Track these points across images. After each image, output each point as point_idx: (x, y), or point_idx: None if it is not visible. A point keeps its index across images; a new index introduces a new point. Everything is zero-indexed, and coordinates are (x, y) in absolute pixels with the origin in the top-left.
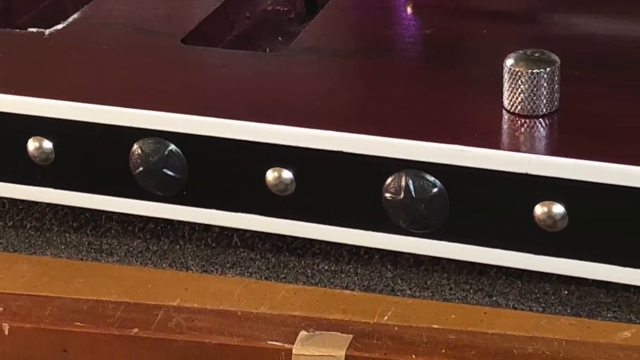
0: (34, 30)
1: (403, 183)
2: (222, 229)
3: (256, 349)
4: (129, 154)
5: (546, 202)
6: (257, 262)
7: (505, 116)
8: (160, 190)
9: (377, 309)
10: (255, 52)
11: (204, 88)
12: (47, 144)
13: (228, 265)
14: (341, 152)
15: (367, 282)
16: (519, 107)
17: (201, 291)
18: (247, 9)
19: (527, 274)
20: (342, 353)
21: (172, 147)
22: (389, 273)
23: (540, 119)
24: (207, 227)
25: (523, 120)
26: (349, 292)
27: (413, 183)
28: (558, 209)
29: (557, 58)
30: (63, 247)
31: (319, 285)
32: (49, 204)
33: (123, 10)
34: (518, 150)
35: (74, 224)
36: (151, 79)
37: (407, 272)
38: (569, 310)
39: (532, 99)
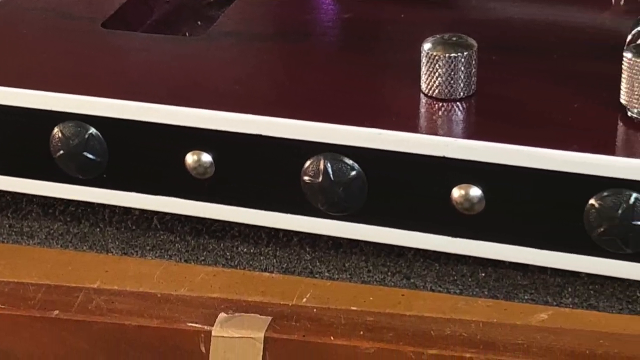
0: None
1: (321, 166)
2: (142, 211)
3: (176, 330)
4: (50, 138)
5: (463, 185)
6: (176, 245)
7: (423, 100)
8: (80, 173)
9: (295, 291)
10: (174, 37)
11: (124, 72)
12: None
13: (148, 247)
14: (260, 136)
15: (285, 264)
16: (436, 91)
17: (121, 273)
18: None
19: (444, 257)
20: (261, 335)
21: (93, 130)
22: (307, 255)
23: (458, 103)
24: (127, 210)
25: (441, 104)
26: (267, 274)
27: (331, 166)
28: (475, 192)
29: (474, 42)
30: None
31: (238, 267)
32: None
33: None
34: (435, 134)
35: None
36: (71, 63)
37: (325, 255)
38: (486, 293)
39: (449, 82)
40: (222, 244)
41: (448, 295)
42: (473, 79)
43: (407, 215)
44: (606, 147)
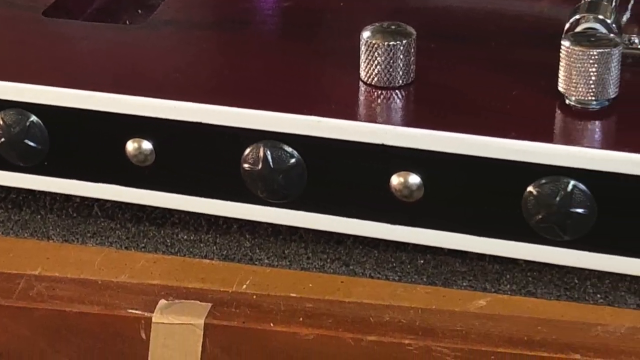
0: None
1: (261, 154)
2: (83, 199)
3: (116, 317)
4: None
5: (402, 173)
6: (117, 232)
7: (362, 88)
8: (21, 160)
9: (235, 278)
10: (115, 25)
11: (65, 60)
12: None
13: (89, 234)
14: (200, 124)
15: (225, 251)
16: (375, 79)
17: (62, 260)
18: None
19: (383, 244)
20: (201, 321)
21: (34, 118)
22: (247, 242)
23: (397, 91)
24: (68, 197)
25: (380, 92)
26: (207, 261)
27: (271, 154)
28: (414, 179)
29: (413, 30)
30: None
31: (178, 254)
32: None
33: None
34: (375, 122)
35: None
36: (12, 51)
37: (265, 242)
38: (424, 279)
39: (388, 70)
40: (162, 231)
41: (387, 282)
42: (412, 67)
43: (346, 202)
44: (544, 135)
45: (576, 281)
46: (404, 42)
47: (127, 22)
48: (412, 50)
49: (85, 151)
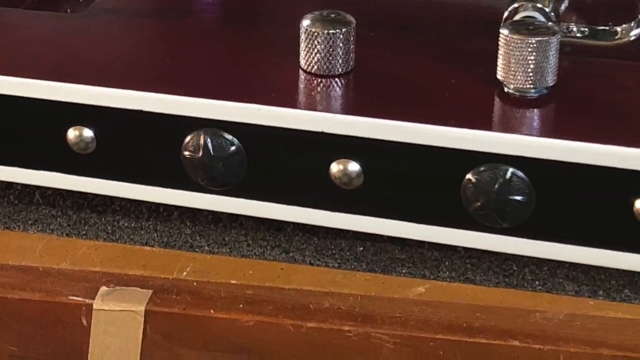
0: None
1: (202, 141)
2: (24, 186)
3: (57, 304)
4: None
5: (342, 160)
6: (58, 219)
7: (302, 76)
8: None
9: (176, 265)
10: (56, 13)
11: (6, 48)
12: None
13: (30, 222)
14: (141, 111)
15: (166, 238)
16: (315, 67)
17: (3, 247)
18: None
19: (323, 231)
20: (142, 308)
21: None
22: (187, 230)
23: (336, 79)
24: (9, 185)
25: (319, 80)
26: (148, 248)
27: (211, 141)
28: (353, 166)
29: (352, 19)
30: None
31: (119, 241)
32: None
33: None
34: (314, 109)
35: None
36: None
37: (205, 229)
38: (364, 266)
39: (328, 59)
40: (103, 219)
41: (326, 269)
42: (351, 55)
43: (286, 189)
44: (483, 123)
45: (515, 268)
46: (344, 30)
47: (68, 11)
48: (352, 38)
49: (26, 139)
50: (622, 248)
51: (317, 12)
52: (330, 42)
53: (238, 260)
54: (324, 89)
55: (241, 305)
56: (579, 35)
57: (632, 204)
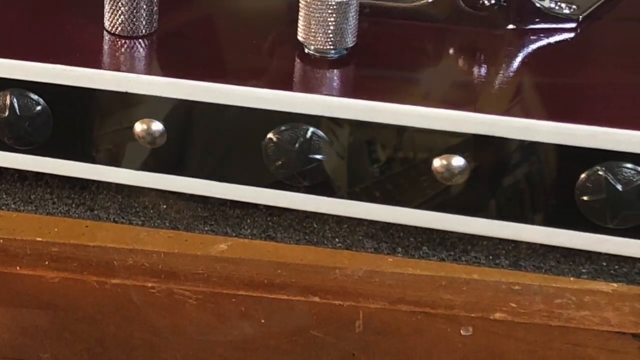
0: None
1: (7, 101)
2: None
3: None
4: None
5: (145, 120)
6: None
7: (107, 37)
8: None
9: None
10: None
11: None
12: None
13: None
14: None
15: None
16: (119, 29)
17: None
18: None
19: (127, 189)
20: None
21: None
22: None
23: (140, 40)
24: None
25: (123, 41)
26: None
27: (17, 101)
28: (157, 126)
29: None
30: None
31: None
32: None
33: None
34: (118, 70)
35: None
36: None
37: (11, 187)
38: (167, 224)
39: (131, 20)
40: None
41: (130, 227)
42: (155, 17)
43: (91, 149)
44: (283, 83)
45: (315, 226)
46: None
47: None
48: (155, 0)
49: None
50: (422, 206)
51: None
52: (134, 3)
53: (43, 218)
54: (128, 49)
55: (47, 262)
56: None
57: (431, 163)
